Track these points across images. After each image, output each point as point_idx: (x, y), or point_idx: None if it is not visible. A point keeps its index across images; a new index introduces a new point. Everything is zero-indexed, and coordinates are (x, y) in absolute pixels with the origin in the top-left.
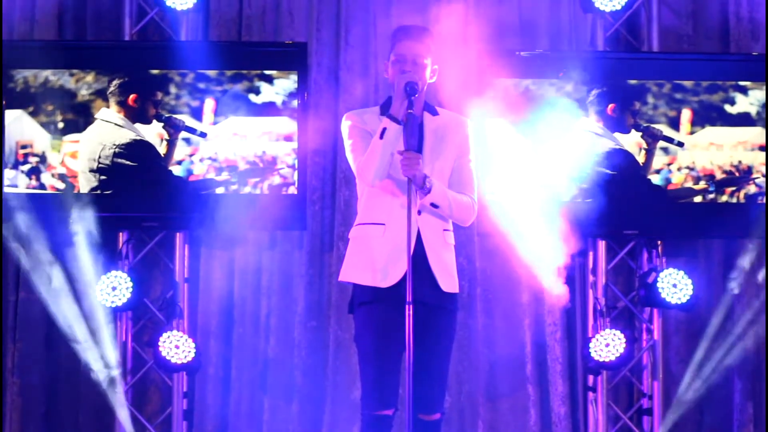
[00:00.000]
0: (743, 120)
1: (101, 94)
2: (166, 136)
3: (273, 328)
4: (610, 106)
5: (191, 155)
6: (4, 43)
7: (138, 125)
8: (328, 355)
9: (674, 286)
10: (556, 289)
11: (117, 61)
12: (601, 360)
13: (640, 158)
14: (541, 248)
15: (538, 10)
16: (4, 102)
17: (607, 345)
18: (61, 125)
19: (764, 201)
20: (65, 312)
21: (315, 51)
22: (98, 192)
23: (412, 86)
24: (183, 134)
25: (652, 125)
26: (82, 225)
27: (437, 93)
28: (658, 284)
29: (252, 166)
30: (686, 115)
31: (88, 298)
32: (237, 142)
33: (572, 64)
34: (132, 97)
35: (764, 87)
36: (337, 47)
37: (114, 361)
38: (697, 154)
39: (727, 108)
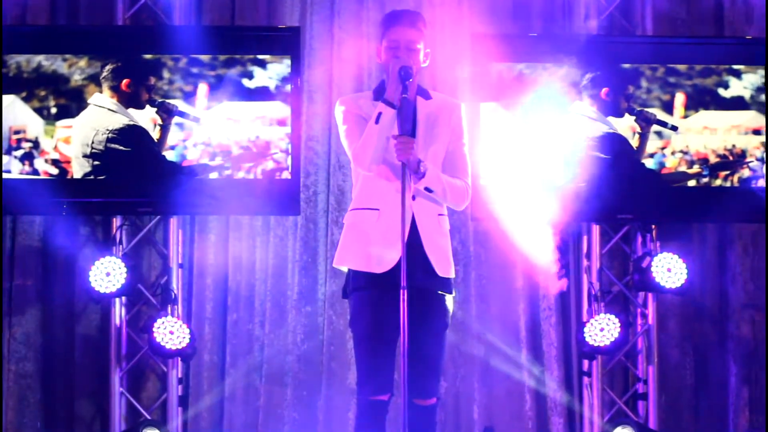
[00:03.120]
0: (737, 104)
1: (94, 79)
2: (160, 121)
3: (267, 314)
4: (604, 90)
5: (184, 140)
6: None
7: (131, 110)
8: (322, 341)
9: (669, 270)
10: (550, 273)
11: (110, 46)
12: (595, 345)
13: (634, 142)
14: (535, 233)
15: None
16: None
17: (602, 330)
18: (54, 110)
19: (758, 185)
20: None
21: (308, 35)
22: (91, 177)
23: (407, 71)
24: (176, 119)
25: (646, 109)
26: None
27: (431, 77)
28: (653, 268)
29: (245, 150)
30: (680, 99)
31: None
32: (230, 127)
33: (566, 48)
34: (125, 82)
35: (757, 71)
36: (330, 31)
37: None
38: (691, 138)
39: (721, 92)
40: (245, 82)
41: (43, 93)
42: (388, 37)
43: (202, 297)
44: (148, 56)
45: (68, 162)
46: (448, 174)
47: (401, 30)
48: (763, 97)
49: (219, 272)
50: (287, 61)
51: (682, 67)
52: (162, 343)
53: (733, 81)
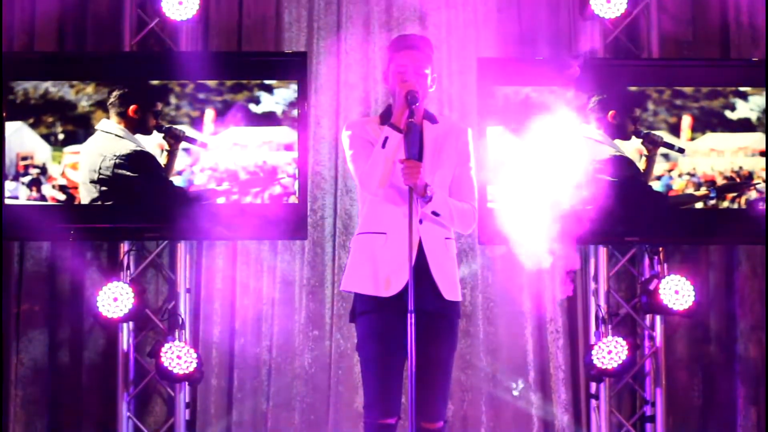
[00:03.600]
0: (744, 126)
1: (101, 105)
2: (167, 147)
3: (275, 338)
4: (611, 112)
5: (192, 165)
6: (5, 55)
7: (138, 136)
8: (330, 364)
9: (676, 292)
10: (557, 296)
11: (117, 72)
12: (603, 367)
13: (641, 165)
14: (542, 256)
15: (538, 18)
16: (4, 114)
17: (610, 352)
18: (61, 136)
19: (765, 207)
20: None
21: (315, 61)
22: (99, 203)
23: (413, 95)
24: (183, 144)
25: (653, 132)
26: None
27: (438, 101)
28: (660, 291)
29: (253, 175)
30: (687, 121)
31: None
32: (237, 152)
33: (573, 71)
34: (132, 107)
35: (764, 93)
36: (337, 57)
37: None
38: (698, 160)
39: (728, 114)
40: (252, 107)
41: (50, 119)
42: (396, 61)
43: (209, 321)
44: (155, 82)
45: (75, 188)
46: (455, 198)
47: (409, 55)
48: None
49: (226, 297)
50: (294, 86)
51: (688, 90)
52: (169, 368)
53: (739, 103)
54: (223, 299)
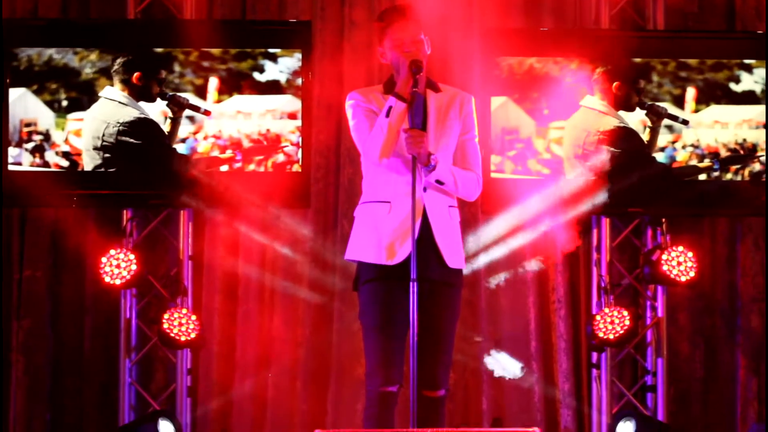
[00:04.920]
0: (748, 98)
1: (105, 72)
2: (170, 114)
3: (277, 306)
4: (615, 84)
5: (195, 133)
6: (8, 21)
7: (142, 103)
8: (332, 332)
9: (679, 263)
10: (559, 266)
11: (121, 39)
12: (605, 337)
13: (645, 136)
14: (545, 225)
15: None
16: (8, 80)
17: (612, 322)
18: (65, 103)
19: (765, 179)
20: None
21: (319, 29)
22: (102, 170)
23: (417, 64)
24: (187, 112)
25: (657, 103)
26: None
27: (441, 71)
28: (663, 262)
29: (256, 144)
30: (691, 93)
31: None
32: (241, 120)
33: (577, 42)
34: (136, 75)
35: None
36: (341, 25)
37: None
38: (702, 132)
39: (732, 86)
40: (256, 75)
41: (54, 86)
42: (390, 36)
43: (212, 289)
44: (159, 50)
45: (79, 154)
46: (459, 166)
47: (402, 26)
48: None
49: (229, 264)
50: (298, 55)
51: (693, 62)
52: (171, 335)
53: (744, 75)
54: (225, 267)
